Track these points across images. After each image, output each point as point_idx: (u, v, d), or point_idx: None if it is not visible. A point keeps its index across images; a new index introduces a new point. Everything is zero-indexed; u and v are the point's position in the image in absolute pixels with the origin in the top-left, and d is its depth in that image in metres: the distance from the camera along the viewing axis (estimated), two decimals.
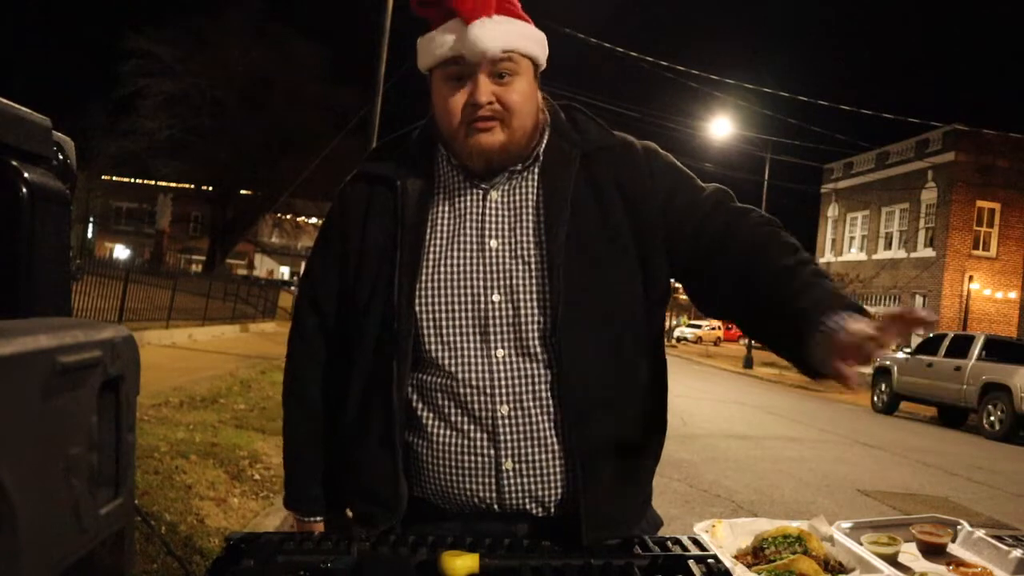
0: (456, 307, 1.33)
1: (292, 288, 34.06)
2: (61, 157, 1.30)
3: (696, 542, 1.28)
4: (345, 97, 29.68)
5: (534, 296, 1.31)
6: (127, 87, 30.93)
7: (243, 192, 34.92)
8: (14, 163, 1.13)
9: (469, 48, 1.27)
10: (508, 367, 1.32)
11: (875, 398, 16.34)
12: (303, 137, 30.65)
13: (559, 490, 1.33)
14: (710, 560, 1.21)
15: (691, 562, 1.20)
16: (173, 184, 35.82)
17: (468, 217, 1.37)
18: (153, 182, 36.83)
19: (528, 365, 1.32)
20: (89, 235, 41.15)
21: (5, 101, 1.13)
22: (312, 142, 26.83)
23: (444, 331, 1.33)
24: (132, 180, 37.81)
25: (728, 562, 1.20)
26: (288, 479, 1.52)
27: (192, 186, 36.74)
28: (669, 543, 1.28)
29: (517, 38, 1.31)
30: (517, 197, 1.37)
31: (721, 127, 26.90)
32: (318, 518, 1.49)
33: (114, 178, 36.84)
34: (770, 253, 1.28)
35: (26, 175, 1.13)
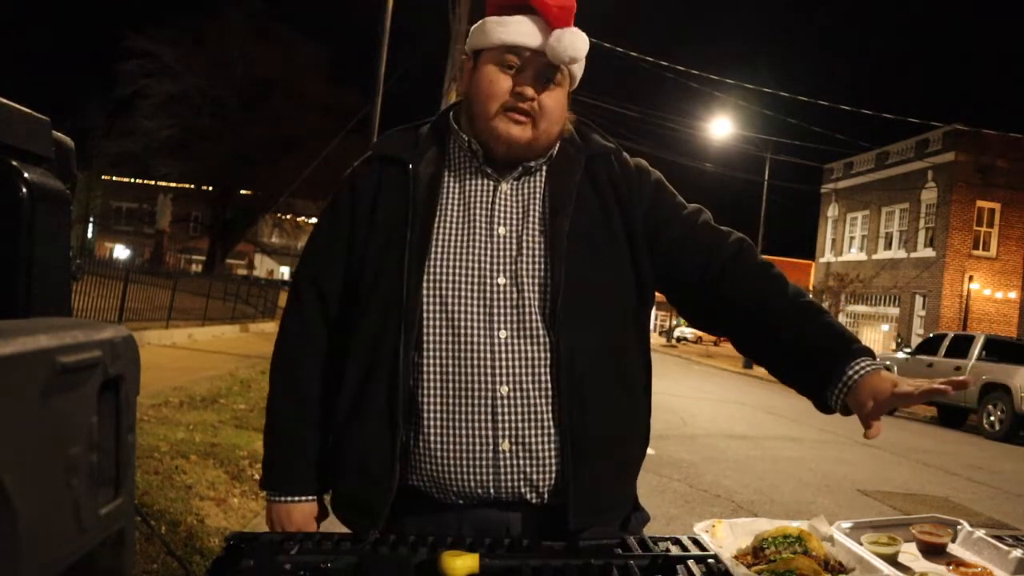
0: (462, 288, 1.37)
1: None
2: (61, 157, 1.30)
3: (696, 542, 1.28)
4: (345, 97, 29.75)
5: (537, 281, 1.37)
6: (127, 87, 31.03)
7: (243, 192, 34.91)
8: (14, 163, 1.13)
9: (552, 50, 1.36)
10: (510, 348, 1.35)
11: None
12: (303, 137, 30.66)
13: (553, 473, 1.36)
14: (710, 560, 1.21)
15: (691, 562, 1.20)
16: (173, 184, 35.77)
17: (478, 203, 1.42)
18: (153, 182, 36.80)
19: (529, 347, 1.36)
20: (89, 235, 41.10)
21: (5, 101, 1.13)
22: (312, 142, 26.84)
23: (449, 310, 1.36)
24: (132, 180, 37.81)
25: (728, 562, 1.20)
26: (266, 457, 1.48)
27: (192, 186, 36.70)
28: (669, 543, 1.28)
29: (582, 53, 1.40)
30: (526, 191, 1.44)
31: (721, 127, 26.94)
32: (291, 499, 1.45)
33: (114, 178, 36.88)
34: (773, 288, 1.42)
35: (26, 175, 1.13)
